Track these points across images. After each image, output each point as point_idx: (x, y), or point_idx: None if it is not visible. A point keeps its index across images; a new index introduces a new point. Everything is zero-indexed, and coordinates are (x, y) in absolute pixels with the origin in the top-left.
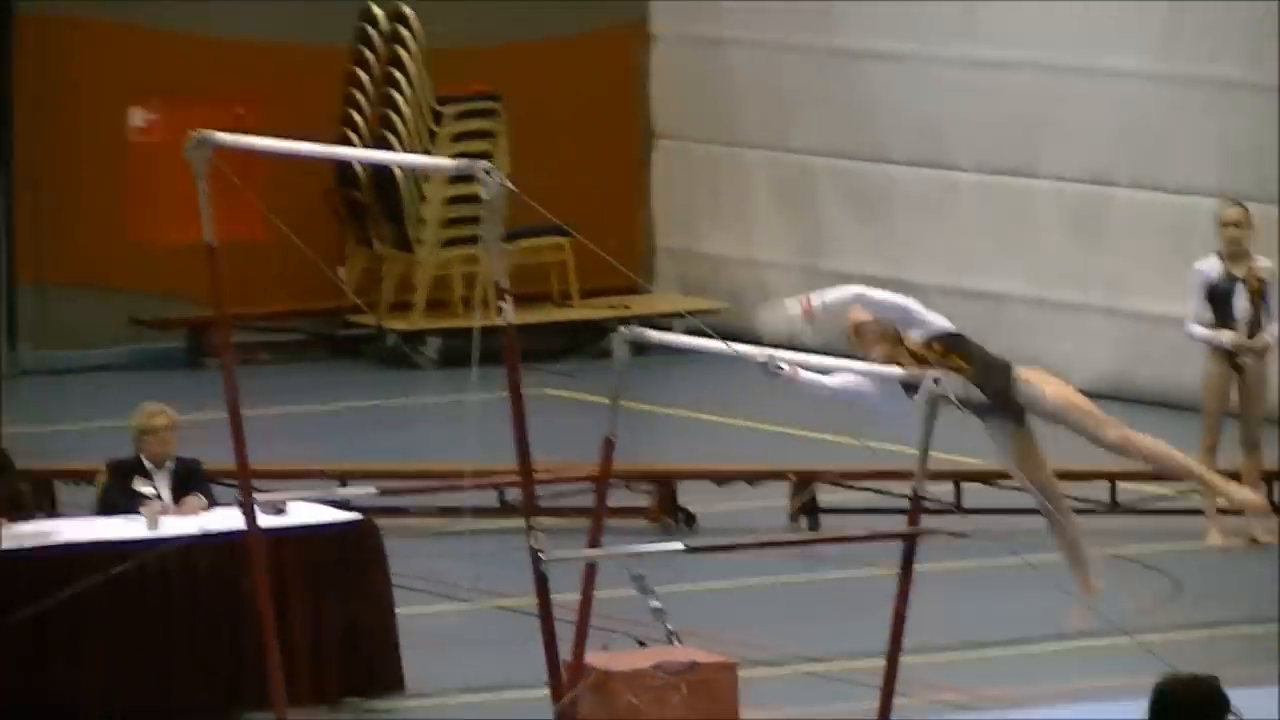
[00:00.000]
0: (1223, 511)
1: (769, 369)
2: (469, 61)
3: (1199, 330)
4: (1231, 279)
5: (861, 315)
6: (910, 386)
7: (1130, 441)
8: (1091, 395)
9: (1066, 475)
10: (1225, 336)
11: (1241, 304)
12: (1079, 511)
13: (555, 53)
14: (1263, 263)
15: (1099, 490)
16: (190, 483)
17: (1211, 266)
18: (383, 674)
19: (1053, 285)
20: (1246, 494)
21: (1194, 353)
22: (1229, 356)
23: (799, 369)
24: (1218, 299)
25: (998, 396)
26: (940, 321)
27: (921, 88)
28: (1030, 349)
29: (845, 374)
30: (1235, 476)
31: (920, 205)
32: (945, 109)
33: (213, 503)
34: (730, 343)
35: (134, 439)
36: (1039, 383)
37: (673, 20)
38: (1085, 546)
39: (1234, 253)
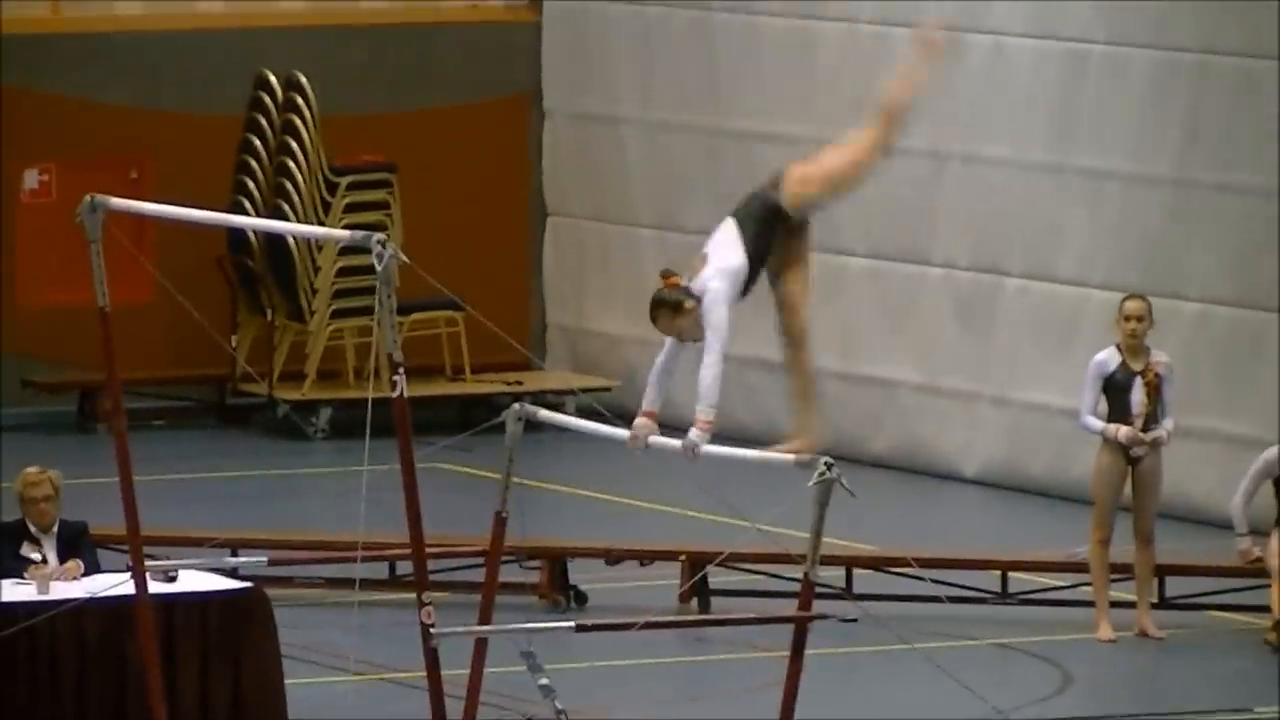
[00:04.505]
0: (1114, 604)
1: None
2: (363, 129)
3: (1094, 422)
4: (1129, 372)
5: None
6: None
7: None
8: (982, 484)
9: (958, 563)
10: (1122, 431)
11: (1138, 397)
12: (969, 600)
13: (448, 122)
14: (1160, 357)
15: (990, 580)
16: (77, 545)
17: (1110, 358)
18: None
19: (943, 373)
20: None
21: (1082, 444)
22: (1124, 449)
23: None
24: (1114, 391)
25: (770, 214)
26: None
27: None
28: (919, 436)
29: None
30: (1127, 569)
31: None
32: None
33: (97, 567)
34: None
35: (18, 503)
36: (788, 179)
37: (564, 96)
38: (814, 397)
39: (1133, 346)
